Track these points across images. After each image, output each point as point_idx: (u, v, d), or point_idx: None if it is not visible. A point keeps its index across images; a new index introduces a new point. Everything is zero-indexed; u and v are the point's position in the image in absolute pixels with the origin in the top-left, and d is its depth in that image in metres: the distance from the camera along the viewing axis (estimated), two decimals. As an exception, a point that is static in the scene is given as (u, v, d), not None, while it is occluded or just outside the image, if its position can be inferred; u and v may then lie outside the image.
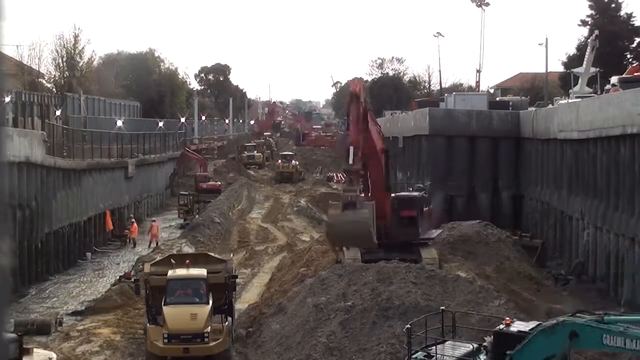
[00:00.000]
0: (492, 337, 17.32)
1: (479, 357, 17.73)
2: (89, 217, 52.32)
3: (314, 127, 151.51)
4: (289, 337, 27.09)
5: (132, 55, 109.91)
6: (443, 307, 20.87)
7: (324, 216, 61.51)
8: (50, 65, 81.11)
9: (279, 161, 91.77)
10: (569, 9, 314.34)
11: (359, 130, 32.46)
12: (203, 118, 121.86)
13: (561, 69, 78.69)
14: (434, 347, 18.45)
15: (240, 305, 34.02)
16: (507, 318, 18.35)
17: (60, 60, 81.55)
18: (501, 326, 17.48)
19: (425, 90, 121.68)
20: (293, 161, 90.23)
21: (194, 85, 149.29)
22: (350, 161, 31.41)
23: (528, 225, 50.65)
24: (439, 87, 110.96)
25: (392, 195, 35.44)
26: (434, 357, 18.13)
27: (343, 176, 58.38)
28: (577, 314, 16.50)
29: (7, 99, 51.81)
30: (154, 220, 51.96)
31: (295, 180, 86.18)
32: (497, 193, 53.98)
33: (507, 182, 53.99)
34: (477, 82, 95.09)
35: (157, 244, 50.56)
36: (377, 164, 34.71)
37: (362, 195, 31.87)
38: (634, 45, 75.62)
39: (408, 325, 19.29)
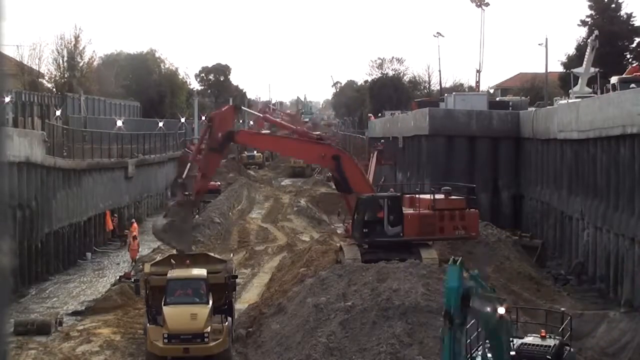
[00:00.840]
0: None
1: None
2: (89, 217, 52.33)
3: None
4: (289, 337, 27.10)
5: (132, 55, 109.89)
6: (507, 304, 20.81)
7: (324, 216, 61.70)
8: (50, 66, 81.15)
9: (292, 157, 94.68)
10: (569, 9, 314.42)
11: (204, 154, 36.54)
12: (203, 118, 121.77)
13: (561, 69, 78.70)
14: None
15: (240, 305, 34.03)
16: (543, 331, 18.97)
17: (60, 61, 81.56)
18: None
19: (425, 90, 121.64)
20: None
21: (194, 85, 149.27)
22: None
23: (528, 225, 50.65)
24: (439, 87, 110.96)
25: (360, 196, 35.63)
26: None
27: None
28: None
29: (7, 99, 51.81)
30: (135, 238, 46.61)
31: (307, 175, 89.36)
32: (497, 193, 53.97)
33: (507, 182, 53.99)
34: (477, 82, 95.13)
35: (133, 261, 45.73)
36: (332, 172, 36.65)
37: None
38: (633, 45, 75.61)
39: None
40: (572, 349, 19.57)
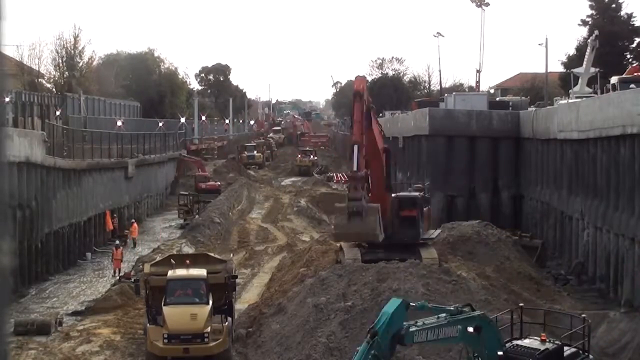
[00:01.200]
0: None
1: None
2: (89, 217, 52.32)
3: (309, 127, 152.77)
4: (289, 337, 27.10)
5: (132, 55, 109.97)
6: (522, 304, 20.94)
7: (324, 216, 61.65)
8: (50, 66, 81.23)
9: (299, 155, 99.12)
10: (569, 9, 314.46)
11: (361, 129, 32.43)
12: (203, 118, 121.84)
13: (561, 69, 78.70)
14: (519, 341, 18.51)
15: (240, 305, 34.03)
16: (543, 334, 18.65)
17: (60, 61, 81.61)
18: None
19: (425, 91, 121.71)
20: (311, 156, 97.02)
21: (194, 85, 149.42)
22: (355, 167, 31.23)
23: (528, 225, 50.65)
24: (439, 87, 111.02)
25: (393, 195, 35.41)
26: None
27: (343, 176, 58.49)
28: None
29: (7, 99, 51.81)
30: (118, 246, 44.39)
31: (311, 173, 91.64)
32: (497, 193, 53.97)
33: (507, 182, 53.98)
34: (477, 82, 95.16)
35: (118, 270, 43.48)
36: (379, 163, 34.71)
37: (366, 201, 31.73)
38: (633, 45, 75.62)
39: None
40: (590, 356, 19.08)
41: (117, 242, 46.13)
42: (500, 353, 17.71)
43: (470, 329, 17.44)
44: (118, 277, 41.43)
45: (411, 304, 17.91)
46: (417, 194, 36.92)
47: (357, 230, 30.92)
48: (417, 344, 18.19)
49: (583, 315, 20.93)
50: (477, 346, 17.80)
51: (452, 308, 18.18)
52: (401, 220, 34.24)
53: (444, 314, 17.66)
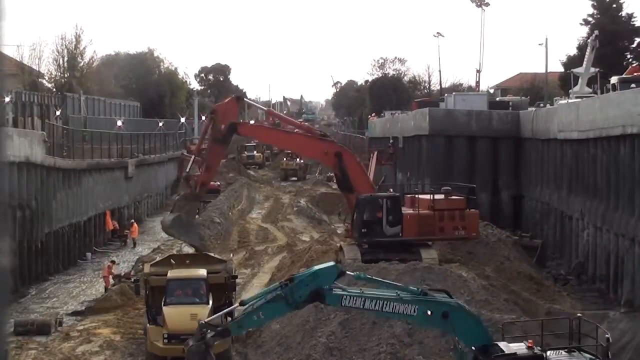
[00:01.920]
0: None
1: None
2: (88, 217, 52.33)
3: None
4: (289, 337, 27.10)
5: (132, 55, 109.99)
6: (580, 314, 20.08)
7: (324, 216, 61.70)
8: (50, 66, 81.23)
9: (284, 159, 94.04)
10: (570, 9, 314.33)
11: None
12: (203, 118, 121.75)
13: (561, 69, 78.69)
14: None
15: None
16: (530, 341, 18.01)
17: (60, 61, 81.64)
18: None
19: (425, 90, 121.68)
20: (297, 159, 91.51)
21: (194, 85, 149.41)
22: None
23: (528, 225, 50.63)
24: (439, 87, 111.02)
25: (360, 196, 35.59)
26: None
27: None
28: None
29: (7, 99, 51.83)
30: (113, 262, 42.06)
31: (300, 177, 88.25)
32: (497, 193, 53.94)
33: (507, 182, 53.96)
34: (477, 82, 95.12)
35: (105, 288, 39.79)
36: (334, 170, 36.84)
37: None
38: (634, 45, 75.60)
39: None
40: None
41: (114, 258, 44.23)
42: (472, 347, 17.87)
43: (429, 313, 17.89)
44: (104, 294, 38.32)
45: (348, 272, 19.31)
46: (385, 193, 36.85)
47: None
48: (350, 309, 19.93)
49: (597, 324, 19.72)
50: (448, 331, 18.52)
51: (414, 288, 18.78)
52: (363, 221, 34.46)
53: (398, 290, 18.41)
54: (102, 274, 41.21)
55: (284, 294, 18.11)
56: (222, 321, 19.63)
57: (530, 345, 17.56)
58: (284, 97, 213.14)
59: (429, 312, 17.92)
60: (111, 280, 39.60)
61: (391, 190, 38.99)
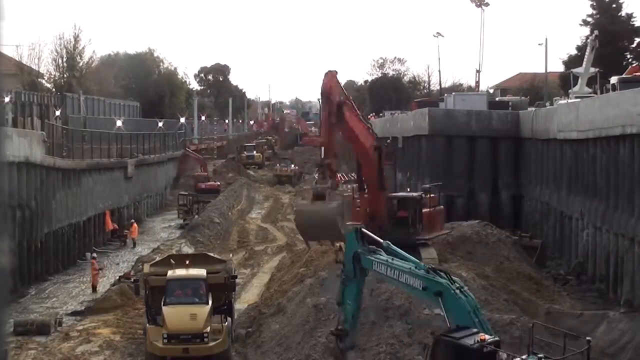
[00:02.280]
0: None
1: None
2: (88, 217, 52.30)
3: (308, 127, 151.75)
4: (288, 337, 27.09)
5: (132, 55, 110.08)
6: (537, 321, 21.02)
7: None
8: (50, 66, 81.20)
9: (278, 165, 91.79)
10: (569, 9, 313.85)
11: (328, 129, 32.91)
12: (203, 118, 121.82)
13: (561, 68, 78.70)
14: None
15: (240, 305, 34.02)
16: (482, 334, 18.14)
17: (60, 61, 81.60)
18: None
19: (425, 90, 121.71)
20: (292, 165, 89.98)
21: (194, 85, 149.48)
22: (322, 155, 33.00)
23: (528, 225, 50.60)
24: (438, 87, 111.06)
25: (389, 195, 35.45)
26: None
27: (344, 176, 58.51)
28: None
29: (7, 99, 51.82)
30: (96, 262, 41.47)
31: (293, 183, 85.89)
32: (496, 193, 53.93)
33: (507, 182, 53.94)
34: (477, 82, 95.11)
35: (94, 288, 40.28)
36: (368, 161, 34.45)
37: (332, 188, 32.99)
38: (634, 45, 75.61)
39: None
40: None
41: (94, 255, 43.55)
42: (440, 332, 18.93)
43: (426, 288, 19.48)
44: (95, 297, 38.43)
45: (372, 235, 22.41)
46: (414, 194, 36.93)
47: (317, 208, 31.71)
48: (377, 275, 22.14)
49: (588, 338, 19.84)
50: (440, 309, 19.54)
51: (422, 264, 20.65)
52: (395, 220, 34.35)
53: (413, 264, 20.50)
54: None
55: (344, 274, 21.85)
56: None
57: (482, 339, 17.67)
58: (318, 99, 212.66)
59: (426, 288, 19.40)
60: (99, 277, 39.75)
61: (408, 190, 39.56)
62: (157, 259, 33.45)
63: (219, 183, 75.32)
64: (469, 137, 54.30)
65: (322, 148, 32.84)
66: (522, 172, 53.19)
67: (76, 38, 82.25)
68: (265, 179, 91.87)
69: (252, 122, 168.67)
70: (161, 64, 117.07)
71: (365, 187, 35.11)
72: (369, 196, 34.65)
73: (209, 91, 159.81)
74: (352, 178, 39.18)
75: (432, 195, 37.72)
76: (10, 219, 38.67)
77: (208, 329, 26.33)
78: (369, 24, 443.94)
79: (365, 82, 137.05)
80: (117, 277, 40.75)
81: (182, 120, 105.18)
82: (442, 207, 38.76)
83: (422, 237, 35.00)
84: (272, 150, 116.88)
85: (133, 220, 57.41)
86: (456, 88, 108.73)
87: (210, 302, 27.31)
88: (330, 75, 34.37)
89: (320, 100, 34.67)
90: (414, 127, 60.69)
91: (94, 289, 40.09)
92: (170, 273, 28.02)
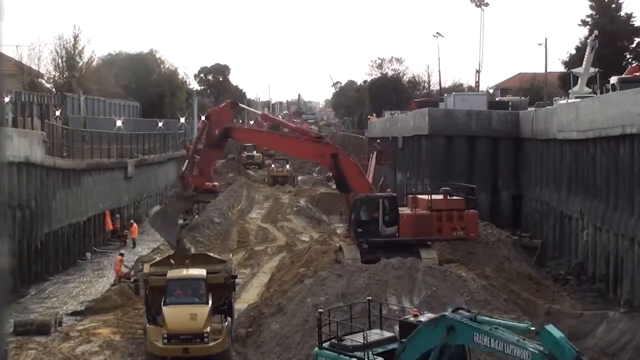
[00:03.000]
0: (398, 326, 18.41)
1: (389, 346, 18.36)
2: (88, 217, 52.31)
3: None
4: (288, 337, 27.09)
5: (132, 55, 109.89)
6: (369, 297, 21.51)
7: (324, 216, 61.68)
8: (50, 66, 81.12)
9: (272, 165, 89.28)
10: (569, 9, 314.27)
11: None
12: (202, 118, 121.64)
13: (561, 69, 78.68)
14: (354, 335, 19.06)
15: (240, 305, 34.02)
16: (415, 309, 19.25)
17: (60, 61, 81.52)
18: (409, 317, 18.54)
19: (425, 91, 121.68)
20: (287, 165, 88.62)
21: (194, 85, 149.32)
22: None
23: (528, 225, 50.64)
24: (438, 87, 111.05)
25: (356, 196, 35.74)
26: (342, 341, 18.73)
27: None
28: (458, 310, 17.48)
29: (7, 99, 51.81)
30: (122, 254, 42.39)
31: (290, 184, 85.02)
32: (496, 193, 53.96)
33: (507, 182, 53.98)
34: (477, 82, 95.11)
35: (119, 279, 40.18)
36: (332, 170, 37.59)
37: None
38: (633, 45, 75.59)
39: (320, 310, 19.91)
40: None
41: (123, 251, 44.39)
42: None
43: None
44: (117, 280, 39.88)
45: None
46: (381, 194, 36.83)
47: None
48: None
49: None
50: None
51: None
52: (360, 221, 34.54)
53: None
54: (114, 267, 41.36)
55: None
56: None
57: (415, 313, 18.39)
58: (299, 95, 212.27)
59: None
60: (124, 269, 39.94)
61: (389, 190, 38.99)
62: (157, 259, 33.46)
63: (217, 184, 75.16)
64: (469, 137, 54.34)
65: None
66: (522, 172, 53.23)
67: (76, 38, 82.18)
68: (263, 179, 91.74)
69: (252, 122, 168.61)
70: (161, 64, 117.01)
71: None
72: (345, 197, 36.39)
73: (209, 91, 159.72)
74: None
75: (451, 197, 35.62)
76: (10, 219, 38.69)
77: (208, 329, 26.33)
78: (368, 24, 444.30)
79: (365, 82, 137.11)
80: (117, 277, 40.76)
81: (182, 120, 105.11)
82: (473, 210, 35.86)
83: (407, 238, 34.62)
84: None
85: (133, 220, 57.41)
86: (456, 88, 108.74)
87: (210, 302, 27.31)
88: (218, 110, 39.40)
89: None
90: (414, 127, 60.73)
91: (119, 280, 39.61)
92: (170, 273, 28.03)
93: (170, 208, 36.63)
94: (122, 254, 42.25)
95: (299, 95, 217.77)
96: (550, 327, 16.22)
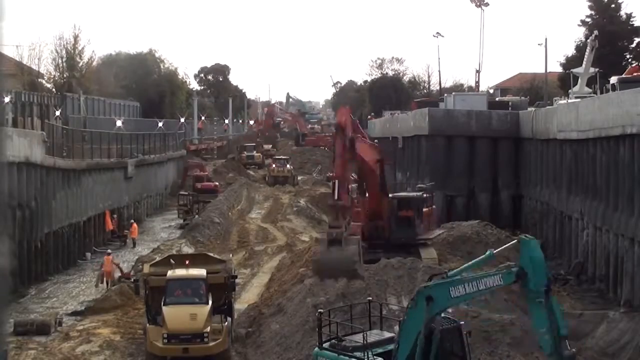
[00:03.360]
0: (399, 326, 18.27)
1: (389, 346, 18.38)
2: (88, 217, 52.30)
3: (310, 127, 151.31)
4: (288, 337, 27.09)
5: (132, 55, 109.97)
6: (370, 298, 21.33)
7: (324, 216, 61.65)
8: (50, 66, 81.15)
9: (273, 165, 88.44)
10: (569, 9, 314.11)
11: (343, 163, 32.62)
12: (202, 118, 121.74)
13: (560, 69, 78.64)
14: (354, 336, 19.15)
15: (240, 305, 34.02)
16: None
17: (60, 61, 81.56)
18: None
19: (425, 91, 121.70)
20: (288, 165, 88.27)
21: (194, 85, 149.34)
22: (335, 196, 31.39)
23: (528, 225, 50.64)
24: (438, 87, 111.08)
25: (390, 195, 35.64)
26: (342, 342, 18.79)
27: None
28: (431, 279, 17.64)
29: (7, 99, 51.83)
30: (109, 253, 41.62)
31: (290, 184, 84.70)
32: (496, 193, 53.98)
33: (507, 182, 54.00)
34: (477, 82, 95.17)
35: (108, 282, 39.91)
36: (372, 174, 35.34)
37: (348, 231, 32.15)
38: (633, 45, 75.60)
39: (320, 310, 19.97)
40: None
41: (109, 250, 43.48)
42: None
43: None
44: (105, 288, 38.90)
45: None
46: (414, 194, 37.09)
47: (336, 256, 30.50)
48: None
49: None
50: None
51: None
52: (397, 220, 34.53)
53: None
54: (103, 269, 40.08)
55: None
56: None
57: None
58: (287, 94, 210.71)
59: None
60: (116, 274, 39.23)
61: (408, 190, 39.88)
62: (157, 259, 33.45)
63: (217, 183, 75.15)
64: (469, 137, 54.37)
65: (335, 184, 32.27)
66: (522, 172, 53.24)
67: (76, 38, 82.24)
68: (264, 177, 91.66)
69: (252, 122, 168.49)
70: (161, 64, 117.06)
71: (366, 190, 35.85)
72: (370, 199, 35.25)
73: (209, 91, 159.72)
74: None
75: (426, 195, 38.39)
76: (10, 219, 38.67)
77: (208, 329, 26.34)
78: (369, 24, 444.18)
79: (365, 82, 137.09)
80: (117, 277, 40.75)
81: (182, 120, 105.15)
82: (433, 206, 39.36)
83: (423, 236, 35.16)
84: (274, 148, 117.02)
85: (133, 220, 57.41)
86: (456, 88, 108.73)
87: (210, 302, 27.31)
88: (345, 111, 35.16)
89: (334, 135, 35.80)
90: (414, 127, 60.75)
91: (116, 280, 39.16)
92: (170, 273, 28.03)
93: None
94: (109, 253, 41.26)
95: (287, 94, 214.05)
96: (532, 241, 16.32)
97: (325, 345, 18.98)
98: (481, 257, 17.61)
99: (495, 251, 17.39)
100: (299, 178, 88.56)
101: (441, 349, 17.15)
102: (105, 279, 39.93)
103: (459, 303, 17.36)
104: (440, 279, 17.14)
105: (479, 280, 16.50)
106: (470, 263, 17.68)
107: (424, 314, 16.88)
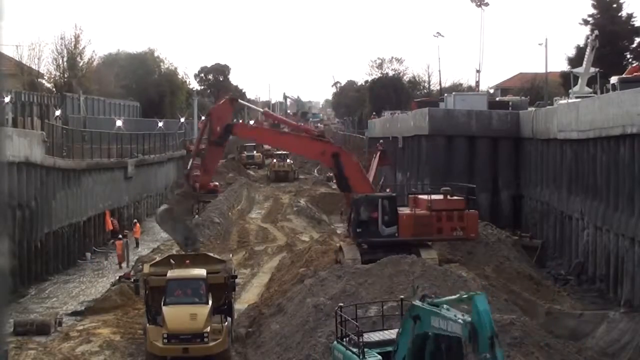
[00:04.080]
0: None
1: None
2: (88, 217, 52.30)
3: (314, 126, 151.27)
4: (288, 338, 27.08)
5: (132, 55, 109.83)
6: (402, 297, 21.31)
7: (324, 216, 61.67)
8: (50, 65, 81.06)
9: (274, 160, 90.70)
10: (570, 9, 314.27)
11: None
12: (203, 118, 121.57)
13: (562, 67, 78.58)
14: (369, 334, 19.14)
15: (240, 305, 34.01)
16: None
17: (60, 61, 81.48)
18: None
19: (425, 91, 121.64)
20: (288, 160, 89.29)
21: (194, 85, 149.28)
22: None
23: (528, 225, 50.63)
24: (438, 87, 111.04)
25: (355, 197, 35.74)
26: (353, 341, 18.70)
27: None
28: (424, 298, 17.20)
29: (7, 99, 51.79)
30: (120, 238, 47.12)
31: (290, 179, 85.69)
32: (496, 193, 53.96)
33: (507, 182, 53.98)
34: (477, 82, 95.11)
35: (120, 265, 46.72)
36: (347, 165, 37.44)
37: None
38: (634, 45, 75.59)
39: (341, 304, 20.25)
40: None
41: (120, 235, 48.08)
42: None
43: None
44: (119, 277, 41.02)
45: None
46: (382, 193, 36.73)
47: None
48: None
49: None
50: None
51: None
52: (359, 220, 34.49)
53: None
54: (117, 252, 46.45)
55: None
56: None
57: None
58: (284, 94, 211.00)
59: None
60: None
61: (389, 190, 38.97)
62: (157, 259, 33.44)
63: (217, 183, 75.07)
64: (469, 137, 54.36)
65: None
66: (522, 172, 53.23)
67: (77, 38, 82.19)
68: (267, 174, 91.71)
69: (252, 122, 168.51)
70: (161, 64, 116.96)
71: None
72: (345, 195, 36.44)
73: (209, 91, 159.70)
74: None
75: (451, 197, 35.38)
76: (10, 219, 38.68)
77: (208, 329, 26.33)
78: (369, 24, 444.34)
79: (365, 82, 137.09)
80: (117, 277, 40.76)
81: (182, 120, 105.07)
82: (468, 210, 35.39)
83: (406, 238, 34.57)
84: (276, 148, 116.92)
85: (136, 220, 57.39)
86: (456, 88, 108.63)
87: (210, 302, 27.31)
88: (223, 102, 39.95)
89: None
90: (414, 127, 60.73)
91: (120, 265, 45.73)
92: (170, 273, 28.02)
93: (178, 207, 36.85)
94: (119, 238, 46.71)
95: (284, 94, 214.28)
96: (479, 297, 16.01)
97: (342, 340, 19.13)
98: (454, 298, 16.95)
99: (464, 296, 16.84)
100: (301, 177, 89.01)
101: (437, 350, 17.15)
102: (118, 261, 46.48)
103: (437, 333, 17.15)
104: (428, 304, 16.76)
105: (448, 322, 16.22)
106: (452, 298, 17.09)
107: (410, 330, 16.95)
